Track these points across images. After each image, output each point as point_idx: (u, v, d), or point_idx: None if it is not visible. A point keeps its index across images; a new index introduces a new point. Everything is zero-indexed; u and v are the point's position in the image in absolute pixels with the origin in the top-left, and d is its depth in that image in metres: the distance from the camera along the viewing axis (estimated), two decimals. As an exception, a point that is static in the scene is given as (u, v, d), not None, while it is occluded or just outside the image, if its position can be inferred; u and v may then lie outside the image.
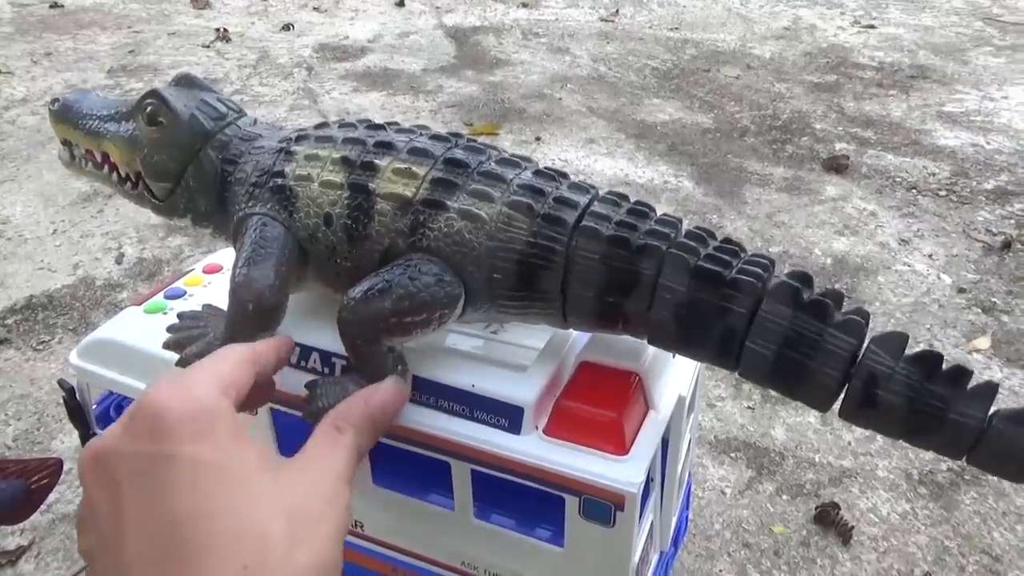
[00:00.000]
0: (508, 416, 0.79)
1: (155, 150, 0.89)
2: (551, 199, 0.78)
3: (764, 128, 2.72)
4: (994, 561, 1.17)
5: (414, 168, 0.80)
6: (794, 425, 1.42)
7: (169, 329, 0.89)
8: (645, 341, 0.79)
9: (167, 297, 1.05)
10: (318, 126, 0.90)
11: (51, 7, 3.88)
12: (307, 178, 0.83)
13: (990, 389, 0.67)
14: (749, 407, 1.46)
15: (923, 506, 1.26)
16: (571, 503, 0.77)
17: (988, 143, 2.59)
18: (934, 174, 2.38)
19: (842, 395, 0.71)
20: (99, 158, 0.95)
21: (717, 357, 0.75)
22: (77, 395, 1.03)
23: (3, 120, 2.65)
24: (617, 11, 4.13)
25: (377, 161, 0.81)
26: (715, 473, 1.32)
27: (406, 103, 2.88)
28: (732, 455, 1.36)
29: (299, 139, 0.87)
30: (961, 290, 1.80)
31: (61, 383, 1.04)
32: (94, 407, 1.05)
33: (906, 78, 3.19)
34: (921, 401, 0.68)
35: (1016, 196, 2.24)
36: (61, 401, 1.05)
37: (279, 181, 0.84)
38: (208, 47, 3.39)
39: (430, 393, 0.82)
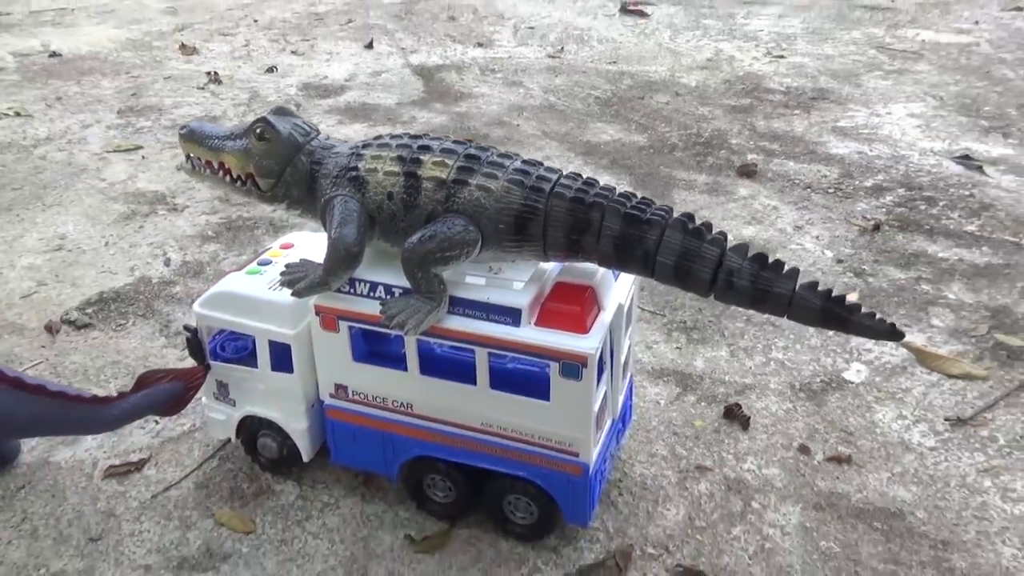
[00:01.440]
0: (511, 316, 1.25)
1: (264, 158, 1.33)
2: (534, 177, 1.24)
3: (690, 144, 3.24)
4: (848, 435, 1.65)
5: (446, 160, 1.26)
6: (710, 358, 1.89)
7: (281, 274, 1.33)
8: (596, 265, 1.25)
9: (260, 264, 1.48)
10: (376, 138, 1.35)
11: (50, 56, 4.24)
12: (374, 170, 1.28)
13: (795, 271, 1.15)
14: (677, 347, 1.93)
15: (801, 405, 1.74)
16: (554, 368, 1.23)
17: (871, 151, 3.14)
18: (825, 176, 2.91)
19: (715, 285, 1.19)
20: (216, 166, 1.39)
21: (641, 269, 1.22)
22: (199, 335, 1.45)
23: (35, 156, 3.02)
24: (562, 48, 4.66)
25: (422, 157, 1.27)
26: (652, 391, 1.78)
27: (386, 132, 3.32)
28: (664, 379, 1.82)
29: (365, 146, 1.32)
30: (839, 261, 2.32)
31: (187, 327, 1.46)
32: (208, 345, 1.47)
33: (808, 99, 3.76)
34: (758, 283, 1.16)
35: (888, 191, 2.78)
36: (185, 340, 1.46)
37: (354, 173, 1.29)
38: (203, 88, 3.80)
39: (461, 306, 1.27)
